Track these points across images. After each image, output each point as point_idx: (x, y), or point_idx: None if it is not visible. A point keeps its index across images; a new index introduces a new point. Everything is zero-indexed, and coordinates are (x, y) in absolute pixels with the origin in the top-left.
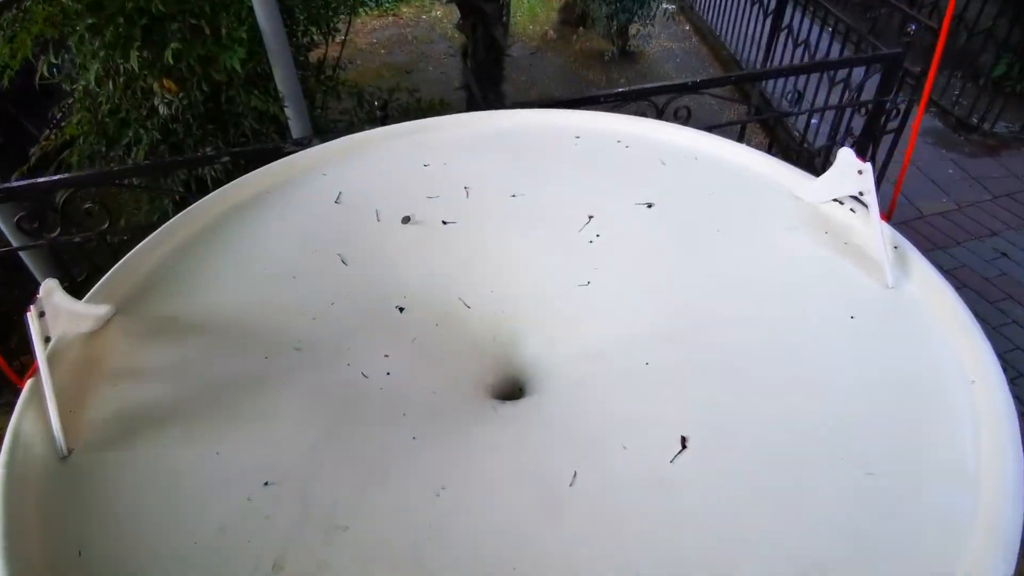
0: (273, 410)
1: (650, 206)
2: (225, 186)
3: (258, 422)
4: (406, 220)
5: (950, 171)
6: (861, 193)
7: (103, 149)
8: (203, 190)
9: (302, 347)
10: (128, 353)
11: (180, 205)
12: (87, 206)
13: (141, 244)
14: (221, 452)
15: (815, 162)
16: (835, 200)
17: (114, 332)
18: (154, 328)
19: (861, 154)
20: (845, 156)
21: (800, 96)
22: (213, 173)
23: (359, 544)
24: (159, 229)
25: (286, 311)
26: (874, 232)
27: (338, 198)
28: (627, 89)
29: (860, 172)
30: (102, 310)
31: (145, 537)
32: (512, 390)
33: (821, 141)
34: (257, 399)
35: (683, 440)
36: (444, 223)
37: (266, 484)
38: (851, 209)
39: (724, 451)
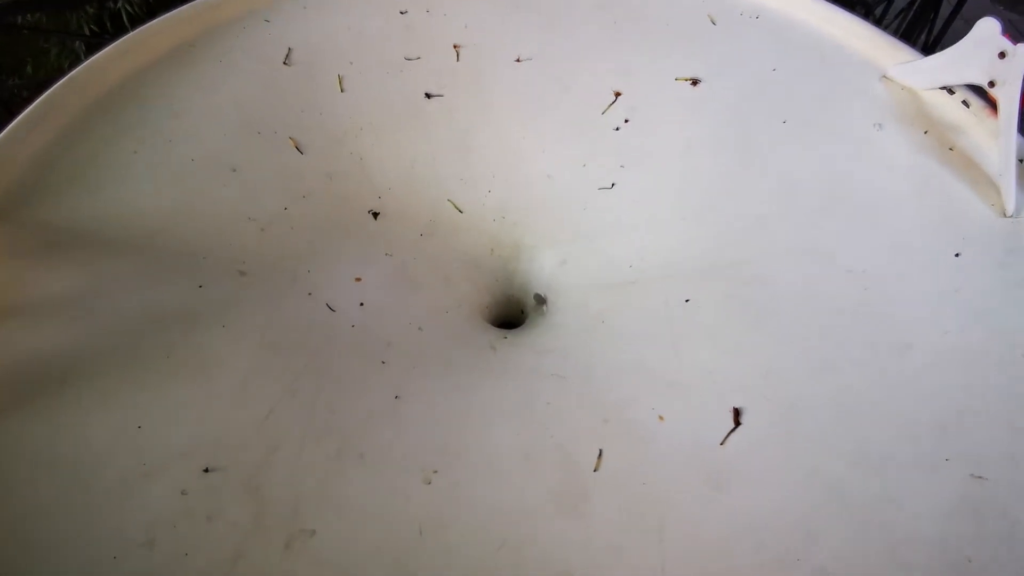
0: (212, 361)
1: (695, 83)
2: (130, 34)
3: (192, 379)
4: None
5: None
6: (991, 84)
7: None
8: (121, 29)
9: (247, 270)
10: (13, 279)
11: (94, 48)
12: None
13: (16, 121)
14: (144, 426)
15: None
16: (944, 88)
17: None
18: (46, 242)
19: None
20: (986, 29)
21: None
22: (129, 8)
23: (330, 555)
24: (38, 100)
25: (225, 217)
26: (1001, 140)
27: (287, 57)
28: None
29: (1003, 55)
30: None
31: (47, 550)
32: (514, 312)
33: None
34: (190, 345)
35: (736, 413)
36: (428, 96)
37: (206, 471)
38: (963, 102)
39: (787, 436)
